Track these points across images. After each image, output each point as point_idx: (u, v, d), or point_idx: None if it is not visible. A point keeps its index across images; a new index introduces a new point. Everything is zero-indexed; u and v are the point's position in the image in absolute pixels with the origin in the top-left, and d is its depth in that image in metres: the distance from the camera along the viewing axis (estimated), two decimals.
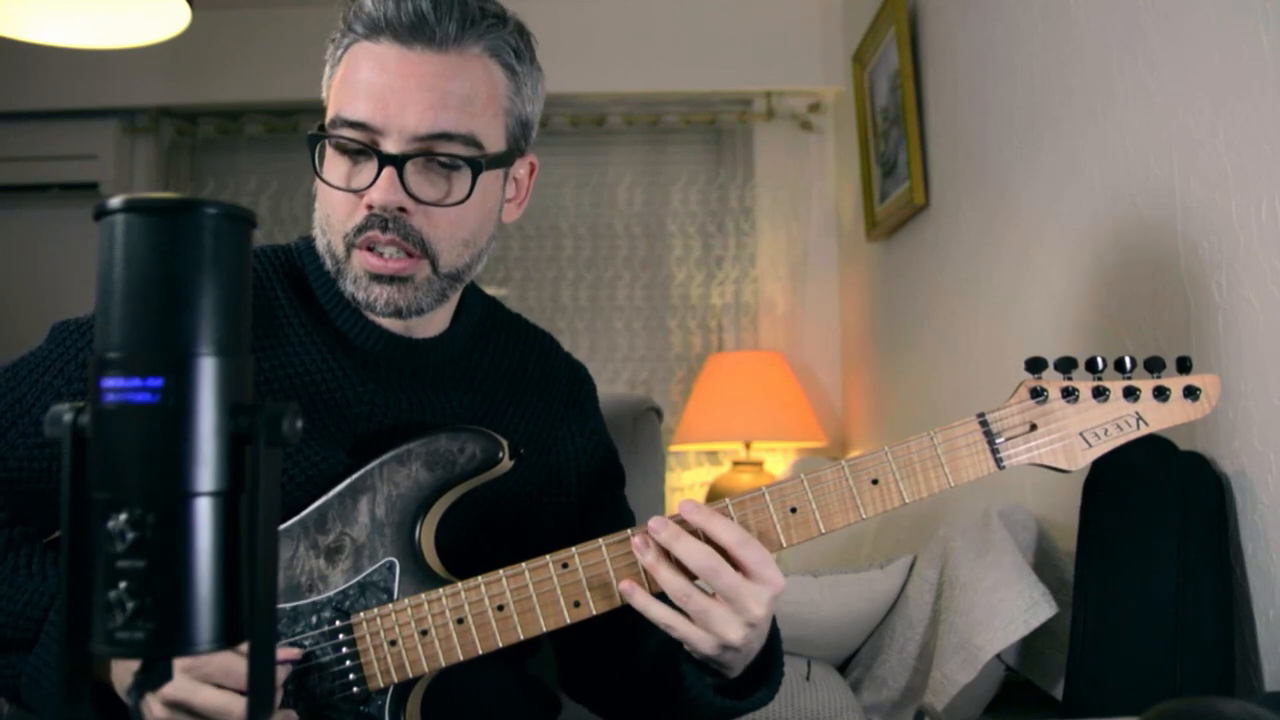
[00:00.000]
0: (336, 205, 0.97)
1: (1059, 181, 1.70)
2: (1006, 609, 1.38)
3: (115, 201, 0.48)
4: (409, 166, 0.94)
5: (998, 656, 1.43)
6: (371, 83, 0.94)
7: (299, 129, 3.31)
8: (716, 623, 0.86)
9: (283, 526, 0.93)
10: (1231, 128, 1.23)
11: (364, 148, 0.94)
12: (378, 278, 0.96)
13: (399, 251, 0.96)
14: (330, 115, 0.97)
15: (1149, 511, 1.22)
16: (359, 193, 0.95)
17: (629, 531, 0.92)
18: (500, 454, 0.96)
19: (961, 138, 2.17)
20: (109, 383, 0.47)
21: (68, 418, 0.48)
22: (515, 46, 1.00)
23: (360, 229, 0.95)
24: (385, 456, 0.95)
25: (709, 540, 0.87)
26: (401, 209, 0.94)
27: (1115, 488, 1.27)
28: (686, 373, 3.37)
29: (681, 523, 0.89)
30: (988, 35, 2.00)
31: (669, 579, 0.87)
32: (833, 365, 3.35)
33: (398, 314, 0.98)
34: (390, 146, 0.93)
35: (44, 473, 0.96)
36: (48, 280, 3.23)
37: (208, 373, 0.47)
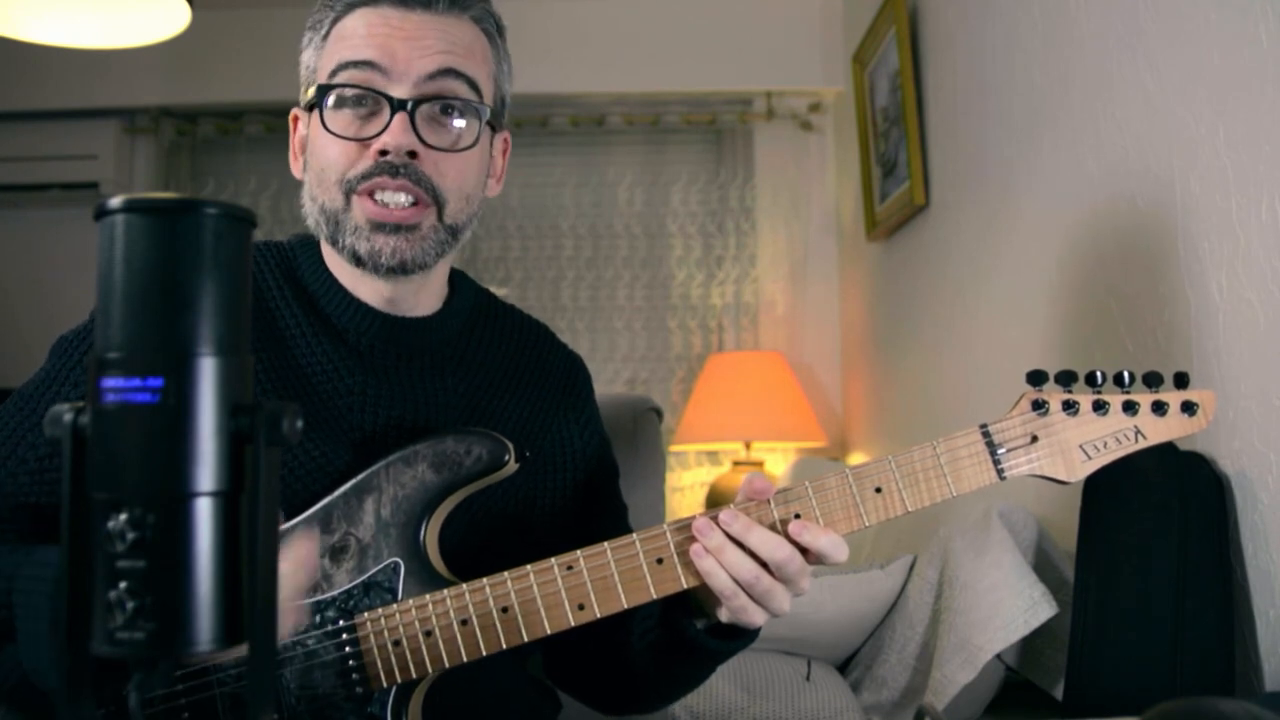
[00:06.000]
0: (336, 156, 0.97)
1: (1059, 181, 1.70)
2: (1006, 609, 1.38)
3: (115, 201, 0.48)
4: (419, 114, 0.96)
5: (998, 656, 1.43)
6: (375, 32, 0.96)
7: None
8: (776, 600, 0.89)
9: (287, 525, 0.93)
10: (1231, 128, 1.23)
11: (372, 94, 0.96)
12: (381, 226, 0.96)
13: (408, 198, 0.96)
14: (330, 68, 0.98)
15: (1149, 511, 1.22)
16: (368, 140, 0.96)
17: (633, 535, 0.92)
18: (506, 456, 0.96)
19: (961, 138, 2.17)
20: (109, 383, 0.47)
21: (68, 418, 0.48)
22: (496, 24, 1.05)
23: (366, 175, 0.96)
24: (391, 457, 0.95)
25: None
26: (412, 154, 0.96)
27: (1115, 488, 1.27)
28: (686, 373, 3.37)
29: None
30: (988, 35, 2.00)
31: (739, 563, 0.88)
32: (833, 365, 3.35)
33: (402, 268, 0.98)
34: (399, 93, 0.95)
35: (54, 486, 0.96)
36: (48, 280, 3.24)
37: (208, 373, 0.47)
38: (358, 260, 0.98)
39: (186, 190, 3.39)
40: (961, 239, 2.18)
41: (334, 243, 0.99)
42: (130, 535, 0.46)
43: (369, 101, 0.97)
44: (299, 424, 0.48)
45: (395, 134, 0.95)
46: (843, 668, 1.73)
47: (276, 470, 0.48)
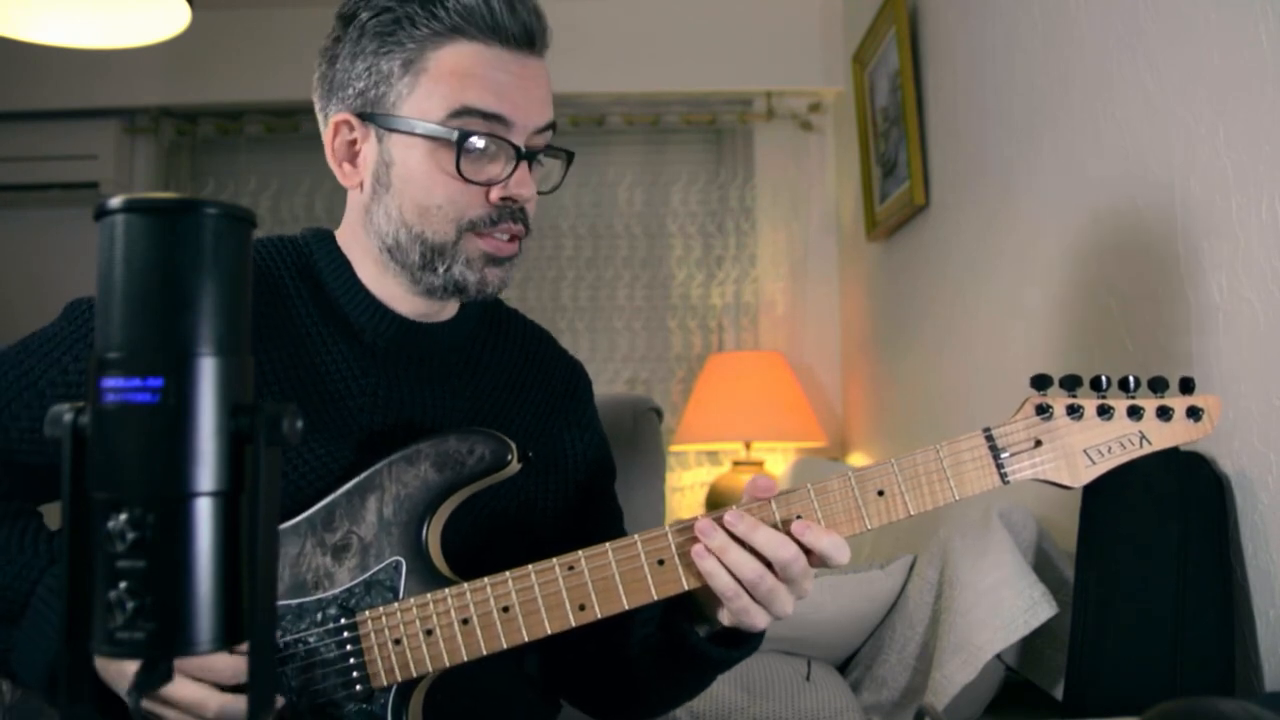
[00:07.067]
0: (455, 196, 0.99)
1: (1059, 181, 1.70)
2: (1006, 609, 1.38)
3: (115, 201, 0.48)
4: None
5: (998, 656, 1.43)
6: (493, 77, 0.98)
7: (299, 129, 3.31)
8: (779, 602, 0.89)
9: (290, 523, 0.93)
10: (1231, 128, 1.23)
11: (498, 141, 0.99)
12: (495, 260, 1.01)
13: (511, 237, 1.02)
14: (450, 107, 0.97)
15: (1149, 511, 1.22)
16: (488, 185, 0.99)
17: (635, 536, 0.92)
18: (509, 456, 0.96)
19: (961, 138, 2.17)
20: (109, 383, 0.47)
21: (68, 418, 0.48)
22: None
23: (491, 220, 0.99)
24: (394, 456, 0.95)
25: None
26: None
27: (1115, 488, 1.27)
28: (686, 373, 3.37)
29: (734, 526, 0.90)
30: (988, 35, 2.00)
31: (743, 563, 0.88)
32: (833, 365, 3.35)
33: (497, 292, 1.04)
34: (518, 140, 1.00)
35: (44, 446, 0.96)
36: (48, 280, 3.23)
37: (208, 373, 0.47)
38: (459, 288, 1.01)
39: (186, 190, 3.39)
40: (961, 239, 2.18)
41: (429, 269, 1.00)
42: (130, 535, 0.46)
43: (491, 148, 0.99)
44: (299, 424, 0.48)
45: (527, 185, 1.00)
46: (843, 668, 1.73)
47: (276, 470, 0.48)
